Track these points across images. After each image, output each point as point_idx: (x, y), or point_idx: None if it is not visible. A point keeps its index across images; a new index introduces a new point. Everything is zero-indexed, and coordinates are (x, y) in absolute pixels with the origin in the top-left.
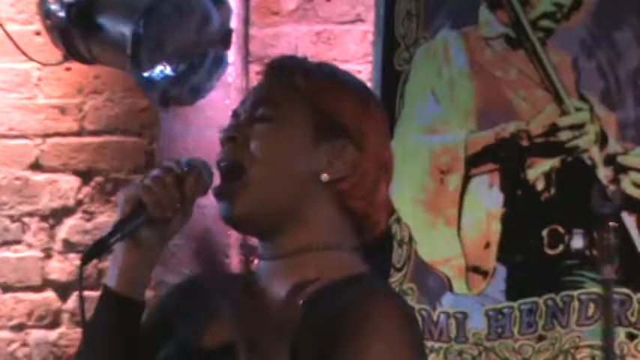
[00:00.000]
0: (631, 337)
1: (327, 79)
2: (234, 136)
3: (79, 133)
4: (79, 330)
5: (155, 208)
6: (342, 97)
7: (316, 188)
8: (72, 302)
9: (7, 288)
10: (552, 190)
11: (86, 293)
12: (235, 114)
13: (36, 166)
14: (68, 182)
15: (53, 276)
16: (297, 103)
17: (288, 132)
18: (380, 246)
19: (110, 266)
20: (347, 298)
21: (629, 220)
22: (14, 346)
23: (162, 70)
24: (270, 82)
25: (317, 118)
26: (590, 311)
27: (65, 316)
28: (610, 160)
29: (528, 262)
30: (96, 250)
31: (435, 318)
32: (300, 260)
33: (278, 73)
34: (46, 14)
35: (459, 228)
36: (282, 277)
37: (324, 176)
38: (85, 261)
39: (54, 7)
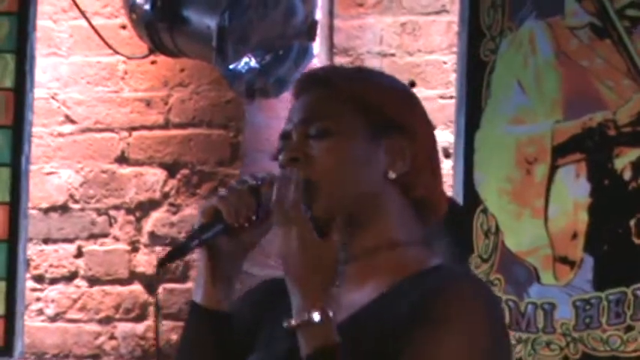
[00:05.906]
0: None
1: (369, 79)
2: (296, 156)
3: (164, 126)
4: (165, 322)
5: (230, 215)
6: (387, 93)
7: (385, 186)
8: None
9: (95, 281)
10: None
11: (172, 285)
12: (285, 135)
13: (122, 160)
14: (154, 175)
15: (140, 269)
16: (348, 110)
17: (350, 140)
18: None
19: (195, 282)
20: (426, 288)
21: None
22: (102, 339)
23: (247, 62)
24: (315, 96)
25: (370, 119)
26: None
27: (152, 309)
28: None
29: (616, 251)
30: (172, 256)
31: (522, 309)
32: (373, 261)
33: (319, 85)
34: (131, 8)
35: (545, 218)
36: (357, 280)
37: (391, 174)
38: (161, 266)
39: (139, 0)
